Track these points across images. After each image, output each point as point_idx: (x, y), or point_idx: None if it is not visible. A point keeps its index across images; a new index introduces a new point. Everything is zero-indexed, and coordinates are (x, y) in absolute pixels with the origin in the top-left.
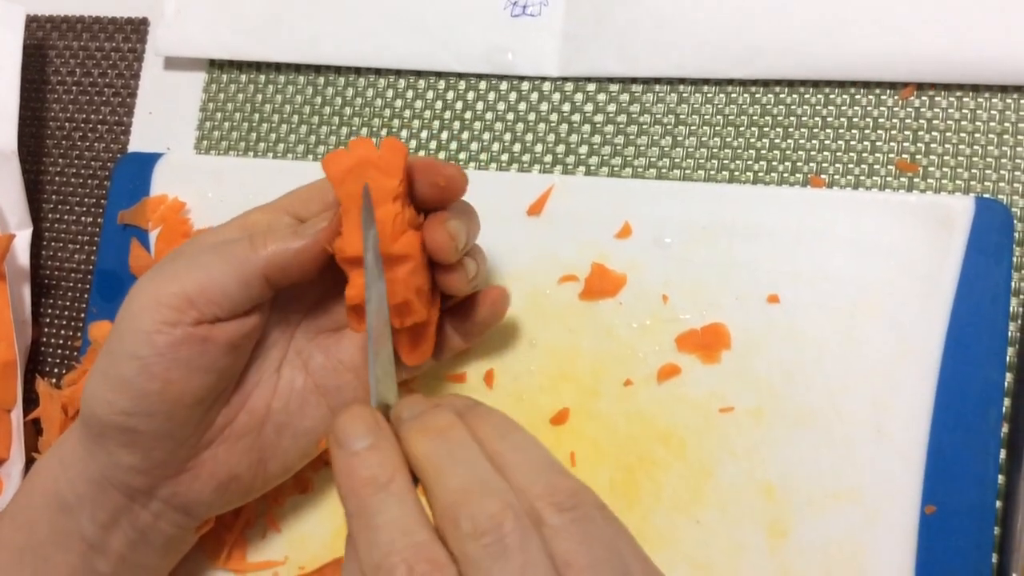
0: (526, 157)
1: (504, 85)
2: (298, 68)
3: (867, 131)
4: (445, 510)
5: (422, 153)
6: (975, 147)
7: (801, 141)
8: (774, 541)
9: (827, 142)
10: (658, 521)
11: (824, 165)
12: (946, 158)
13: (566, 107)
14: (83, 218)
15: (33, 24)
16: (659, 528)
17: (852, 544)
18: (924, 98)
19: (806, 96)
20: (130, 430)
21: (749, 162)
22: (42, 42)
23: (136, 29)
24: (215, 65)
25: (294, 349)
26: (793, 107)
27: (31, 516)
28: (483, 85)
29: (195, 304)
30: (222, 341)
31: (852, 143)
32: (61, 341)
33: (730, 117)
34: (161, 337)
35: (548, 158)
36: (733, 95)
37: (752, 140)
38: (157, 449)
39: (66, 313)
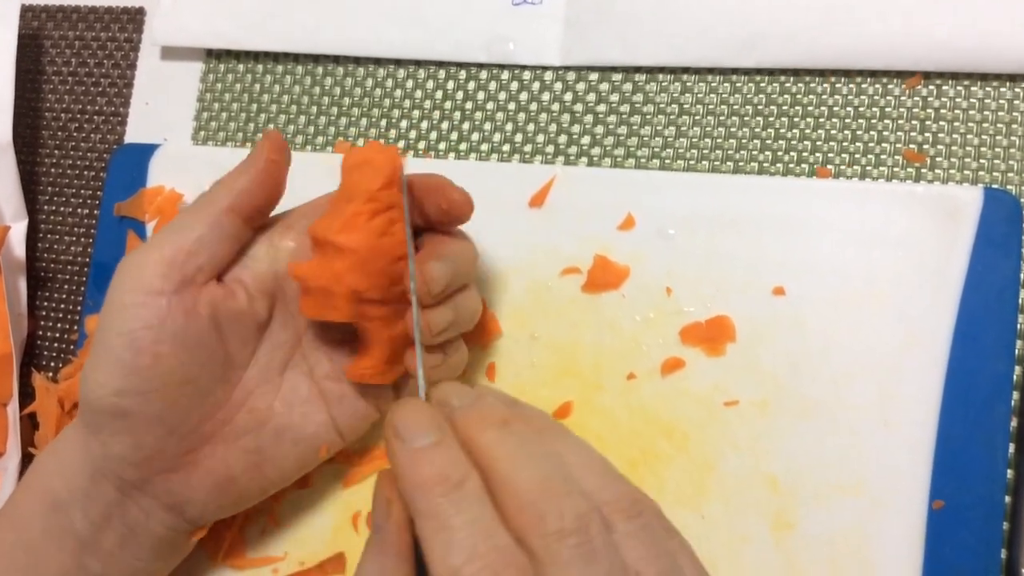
0: (528, 147)
1: (505, 74)
2: (296, 58)
3: (874, 121)
4: (526, 506)
5: (422, 144)
6: (983, 137)
7: (807, 131)
8: (779, 534)
9: (833, 132)
10: None
11: (830, 155)
12: (954, 148)
13: (568, 97)
14: (79, 210)
15: (28, 14)
16: None
17: (858, 538)
18: (931, 87)
19: (812, 85)
20: (122, 413)
21: (754, 152)
22: (37, 32)
23: (132, 18)
24: (212, 55)
25: (300, 354)
26: (799, 96)
27: (25, 514)
28: (484, 75)
29: (175, 264)
30: (206, 313)
31: (858, 133)
32: (57, 334)
33: (735, 107)
34: (146, 310)
35: (550, 148)
36: (738, 84)
37: (757, 130)
38: (149, 435)
39: (62, 306)
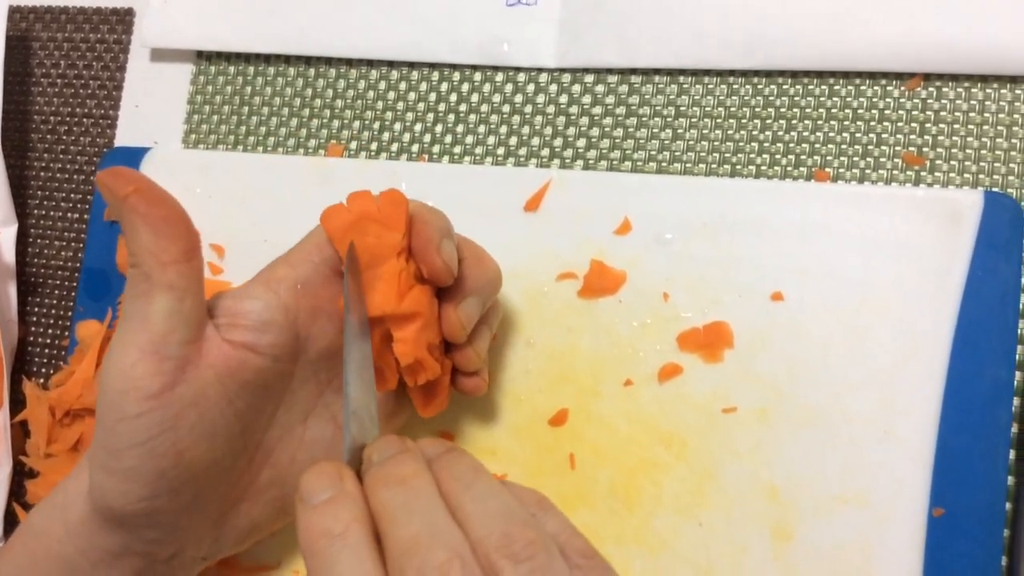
0: (522, 151)
1: (500, 76)
2: (288, 60)
3: (873, 123)
4: (394, 559)
5: (416, 148)
6: (984, 139)
7: (805, 134)
8: (779, 544)
9: (832, 135)
10: (659, 524)
11: (829, 158)
12: (954, 151)
13: (563, 99)
14: (69, 214)
15: (16, 15)
16: (660, 531)
17: (859, 547)
18: (931, 89)
19: (810, 87)
20: (155, 511)
21: (752, 155)
22: (25, 33)
23: (122, 20)
24: (203, 57)
25: (323, 403)
26: (797, 99)
27: None
28: (478, 77)
29: (158, 351)
30: (217, 394)
31: (857, 135)
32: (48, 340)
33: (732, 109)
34: (153, 416)
35: (545, 152)
36: (735, 86)
37: (755, 133)
38: (184, 519)
39: (53, 312)
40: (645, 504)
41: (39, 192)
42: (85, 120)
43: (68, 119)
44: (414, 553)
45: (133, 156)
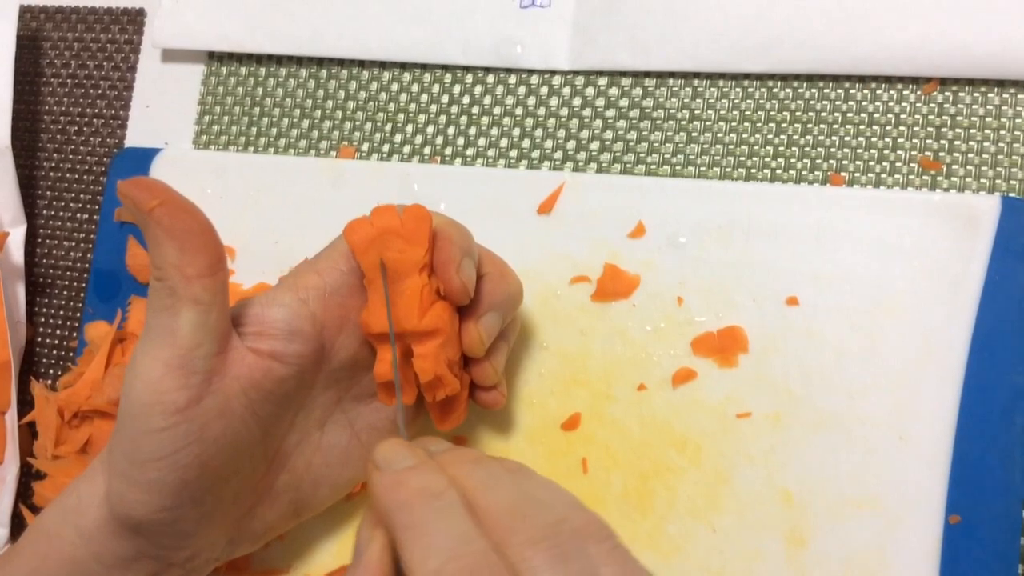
0: (535, 153)
1: (513, 79)
2: (300, 61)
3: (888, 127)
4: (500, 519)
5: (428, 150)
6: (1000, 144)
7: (820, 137)
8: (792, 550)
9: (847, 139)
10: (673, 529)
11: (844, 162)
12: (970, 155)
13: (577, 102)
14: (79, 215)
15: (27, 15)
16: (674, 536)
17: (873, 554)
18: (947, 93)
19: (825, 91)
20: (175, 520)
21: (766, 159)
22: (36, 33)
23: (133, 20)
24: (214, 57)
25: (340, 410)
26: (812, 102)
27: None
28: (491, 79)
29: (184, 365)
30: (240, 405)
31: (873, 140)
32: (57, 342)
33: (747, 112)
34: (179, 429)
35: (558, 154)
36: (750, 89)
37: (769, 136)
38: (202, 525)
39: (62, 313)
40: (658, 509)
41: (48, 192)
42: (95, 120)
43: (78, 119)
44: (521, 514)
45: (144, 157)
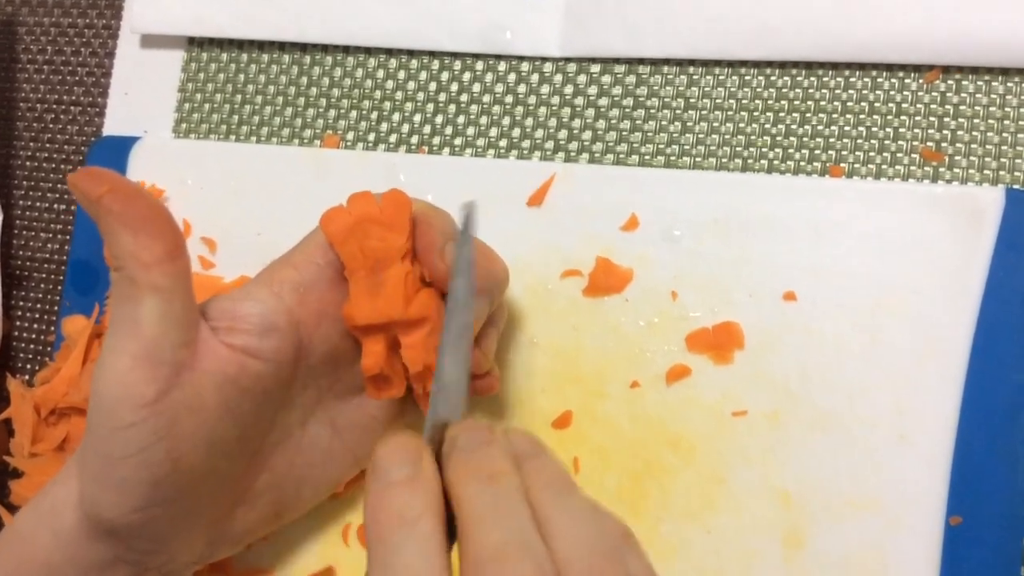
0: (526, 143)
1: (502, 66)
2: (282, 47)
3: (889, 117)
4: (474, 564)
5: (415, 139)
6: (1004, 135)
7: (819, 127)
8: (790, 551)
9: (847, 129)
10: (667, 530)
11: (844, 153)
12: (973, 146)
13: (568, 90)
14: (56, 205)
15: None
16: (668, 537)
17: (873, 555)
18: (950, 82)
19: (825, 79)
20: (149, 521)
21: (764, 150)
22: (11, 18)
23: (110, 4)
24: (194, 43)
25: (322, 407)
26: (811, 91)
27: None
28: (480, 66)
29: (150, 356)
30: (215, 400)
31: (873, 130)
32: (33, 336)
33: (743, 101)
34: (148, 424)
35: (549, 144)
36: (747, 77)
37: (767, 126)
38: (178, 527)
39: (38, 306)
40: (652, 509)
41: (25, 182)
42: (72, 108)
43: (55, 106)
44: (499, 562)
45: (122, 145)
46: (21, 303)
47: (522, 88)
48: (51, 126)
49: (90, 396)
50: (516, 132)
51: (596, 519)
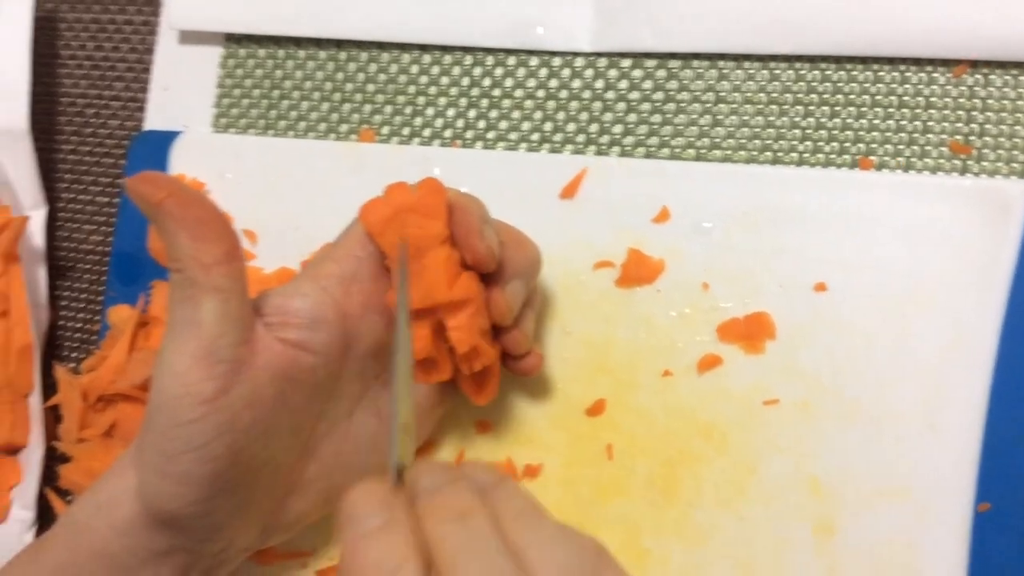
0: (558, 137)
1: (534, 61)
2: (319, 42)
3: (918, 111)
4: None
5: (449, 133)
6: None
7: (849, 121)
8: (820, 539)
9: (876, 122)
10: (699, 517)
11: (873, 146)
12: (1002, 140)
13: (599, 84)
14: (98, 198)
15: None
16: (700, 524)
17: (902, 543)
18: (979, 76)
19: (854, 73)
20: (208, 512)
21: (794, 143)
22: (52, 15)
23: (150, 1)
24: (232, 39)
25: (368, 397)
26: (840, 85)
27: (79, 574)
28: (512, 61)
29: (209, 354)
30: (271, 394)
31: (903, 123)
32: (79, 325)
33: (774, 95)
34: (208, 420)
35: (581, 138)
36: (777, 72)
37: (797, 119)
38: (235, 517)
39: (83, 296)
40: (684, 496)
41: (68, 175)
42: (113, 103)
43: (96, 102)
44: None
45: (163, 140)
46: (66, 293)
47: (554, 83)
48: (93, 121)
49: (150, 393)
50: (548, 126)
51: (569, 542)
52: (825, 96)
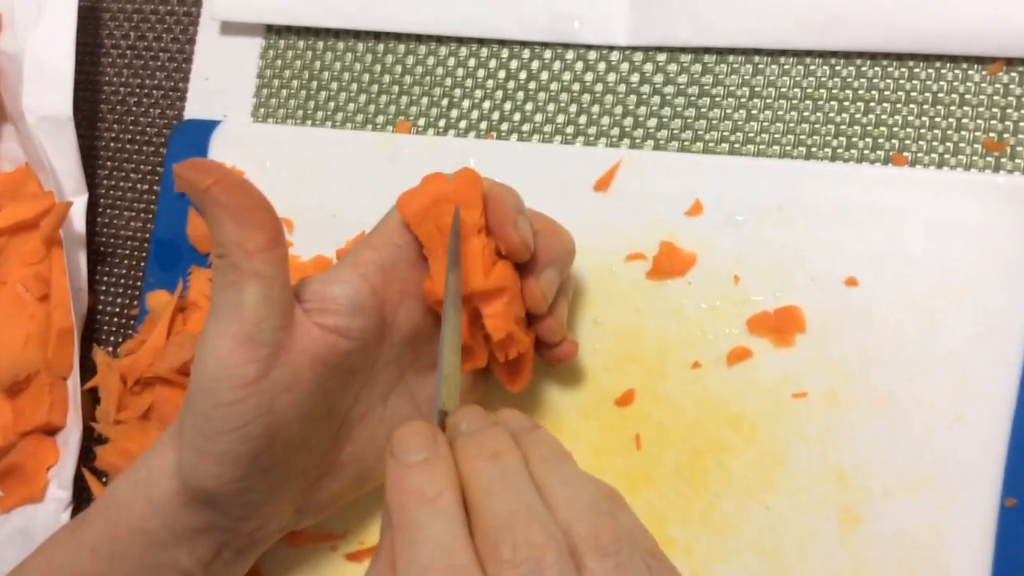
0: (592, 130)
1: (570, 55)
2: (357, 35)
3: (952, 107)
4: (487, 533)
5: (484, 125)
6: None
7: (883, 116)
8: (846, 529)
9: (910, 118)
10: (726, 506)
11: (907, 142)
12: None
13: (635, 78)
14: (139, 185)
15: None
16: (727, 513)
17: (928, 535)
18: (1013, 74)
19: (889, 69)
20: (246, 491)
21: (827, 138)
22: (96, 4)
23: None
24: (272, 30)
25: (403, 383)
26: (875, 81)
27: (117, 549)
28: (548, 54)
29: (251, 338)
30: (309, 377)
31: (936, 120)
32: (118, 309)
33: (808, 90)
34: (248, 402)
35: (615, 131)
36: (811, 67)
37: (831, 115)
38: (271, 497)
39: (122, 281)
40: (711, 486)
41: (109, 162)
42: (155, 92)
43: (137, 91)
44: (508, 528)
45: (203, 129)
46: (106, 278)
47: (589, 76)
48: (134, 109)
49: (192, 375)
50: (583, 119)
51: (590, 484)
52: (860, 92)
